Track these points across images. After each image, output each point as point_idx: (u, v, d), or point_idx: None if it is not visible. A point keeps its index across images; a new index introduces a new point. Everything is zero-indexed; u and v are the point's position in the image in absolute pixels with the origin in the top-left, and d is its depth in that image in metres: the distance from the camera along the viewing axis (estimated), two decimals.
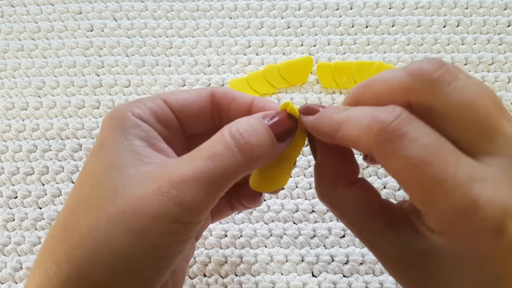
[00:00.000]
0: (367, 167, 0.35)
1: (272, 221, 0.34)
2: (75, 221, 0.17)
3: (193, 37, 0.40)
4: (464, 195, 0.13)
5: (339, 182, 0.18)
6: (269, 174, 0.21)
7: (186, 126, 0.21)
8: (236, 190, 0.24)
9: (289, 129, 0.19)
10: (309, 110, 0.19)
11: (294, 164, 0.22)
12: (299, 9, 0.41)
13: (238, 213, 0.35)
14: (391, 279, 0.32)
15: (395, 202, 0.19)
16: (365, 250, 0.33)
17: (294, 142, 0.20)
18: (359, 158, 0.34)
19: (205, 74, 0.39)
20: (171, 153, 0.20)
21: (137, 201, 0.16)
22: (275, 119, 0.19)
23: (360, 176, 0.20)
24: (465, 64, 0.39)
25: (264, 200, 0.35)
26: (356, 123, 0.16)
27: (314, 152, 0.20)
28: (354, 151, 0.19)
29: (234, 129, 0.17)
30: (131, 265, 0.16)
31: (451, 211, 0.14)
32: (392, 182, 0.35)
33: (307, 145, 0.36)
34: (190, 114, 0.21)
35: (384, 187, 0.35)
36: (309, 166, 0.36)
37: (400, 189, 0.35)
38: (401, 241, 0.17)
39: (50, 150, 0.37)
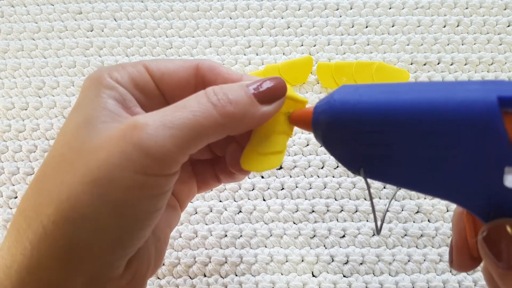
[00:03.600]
0: None
1: (272, 221, 0.34)
2: (45, 180, 0.16)
3: (193, 37, 0.40)
4: None
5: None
6: (261, 153, 0.20)
7: (166, 95, 0.20)
8: (221, 162, 0.24)
9: (274, 90, 0.18)
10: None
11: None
12: (299, 9, 0.41)
13: (238, 213, 0.35)
14: (391, 279, 0.32)
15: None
16: (365, 250, 0.33)
17: (286, 121, 0.19)
18: None
19: None
20: None
21: (99, 150, 0.15)
22: (258, 82, 0.18)
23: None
24: (465, 64, 0.39)
25: (264, 200, 0.35)
26: None
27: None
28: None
29: (209, 88, 0.17)
30: (96, 223, 0.15)
31: None
32: None
33: (307, 145, 0.36)
34: (171, 83, 0.20)
35: (384, 187, 0.35)
36: (309, 166, 0.36)
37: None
38: None
39: None
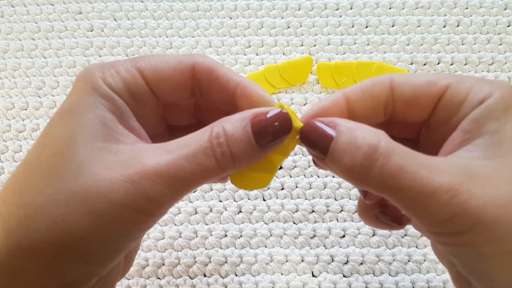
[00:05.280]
0: None
1: (272, 221, 0.34)
2: (31, 188, 0.16)
3: (193, 37, 0.40)
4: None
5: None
6: (249, 173, 0.19)
7: (161, 97, 0.20)
8: None
9: (278, 134, 0.17)
10: (313, 131, 0.18)
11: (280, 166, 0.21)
12: (299, 9, 0.41)
13: (238, 213, 0.35)
14: (391, 279, 0.32)
15: None
16: (365, 250, 0.33)
17: (285, 144, 0.18)
18: None
19: None
20: (142, 132, 0.19)
21: (103, 183, 0.16)
22: (264, 122, 0.17)
23: None
24: (465, 64, 0.39)
25: (264, 200, 0.35)
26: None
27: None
28: None
29: (214, 134, 0.17)
30: (86, 246, 0.16)
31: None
32: None
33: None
34: (167, 87, 0.19)
35: None
36: (309, 166, 0.36)
37: None
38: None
39: None
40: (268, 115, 0.17)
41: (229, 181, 0.20)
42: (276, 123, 0.17)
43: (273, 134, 0.17)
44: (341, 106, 0.19)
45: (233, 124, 0.17)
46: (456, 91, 0.17)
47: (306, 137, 0.18)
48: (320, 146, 0.17)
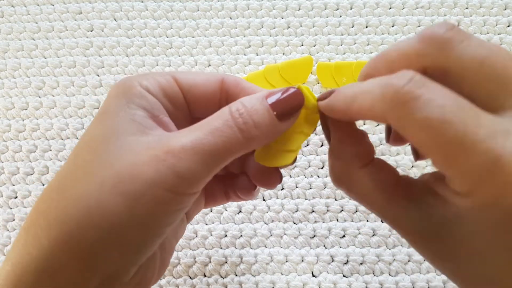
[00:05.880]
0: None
1: (272, 221, 0.34)
2: (70, 186, 0.17)
3: (193, 37, 0.40)
4: (487, 151, 0.13)
5: (354, 164, 0.18)
6: (275, 149, 0.20)
7: (191, 106, 0.21)
8: (232, 179, 0.24)
9: (292, 108, 0.19)
10: (325, 95, 0.19)
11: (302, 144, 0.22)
12: (299, 9, 0.41)
13: (238, 213, 0.35)
14: (391, 279, 0.32)
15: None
16: (365, 250, 0.33)
17: (307, 120, 0.20)
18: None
19: None
20: (172, 127, 0.20)
21: (133, 166, 0.16)
22: (278, 96, 0.18)
23: None
24: None
25: (264, 200, 0.35)
26: (369, 93, 0.15)
27: (328, 136, 0.20)
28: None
29: (234, 108, 0.18)
30: (122, 231, 0.16)
31: (475, 169, 0.13)
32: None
33: (307, 145, 0.36)
34: (198, 96, 0.20)
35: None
36: (309, 166, 0.36)
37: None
38: (425, 213, 0.16)
39: (50, 150, 0.37)
40: (281, 90, 0.19)
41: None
42: (290, 98, 0.18)
43: (288, 106, 0.18)
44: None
45: (251, 101, 0.18)
46: None
47: (321, 99, 0.19)
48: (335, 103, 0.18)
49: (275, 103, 0.18)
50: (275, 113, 0.18)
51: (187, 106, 0.21)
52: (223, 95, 0.21)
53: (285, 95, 0.18)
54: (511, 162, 0.13)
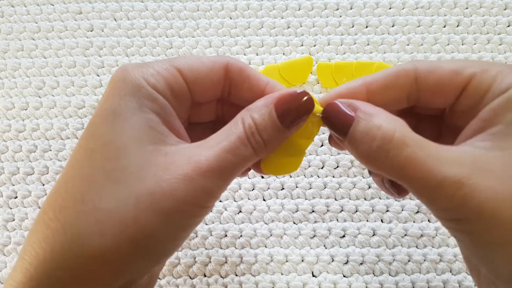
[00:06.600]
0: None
1: (272, 221, 0.34)
2: (98, 196, 0.17)
3: (193, 37, 0.40)
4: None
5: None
6: (282, 157, 0.21)
7: (196, 96, 0.21)
8: None
9: (299, 115, 0.19)
10: (327, 104, 0.19)
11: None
12: (299, 9, 0.41)
13: (238, 213, 0.35)
14: (391, 279, 0.32)
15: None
16: (365, 250, 0.33)
17: (309, 127, 0.20)
18: None
19: None
20: (182, 131, 0.20)
21: (165, 184, 0.17)
22: (285, 105, 0.19)
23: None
24: None
25: (264, 200, 0.35)
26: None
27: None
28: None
29: (247, 125, 0.18)
30: (155, 243, 0.17)
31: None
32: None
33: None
34: (203, 86, 0.20)
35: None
36: (309, 166, 0.36)
37: None
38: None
39: (50, 150, 0.37)
40: (290, 96, 0.19)
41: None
42: (298, 102, 0.19)
43: (296, 112, 0.19)
44: (360, 96, 0.20)
45: (260, 112, 0.19)
46: (480, 81, 0.18)
47: (328, 117, 0.19)
48: (340, 129, 0.18)
49: (283, 111, 0.19)
50: (286, 125, 0.19)
51: (190, 97, 0.21)
52: (227, 82, 0.21)
53: (294, 97, 0.19)
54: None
